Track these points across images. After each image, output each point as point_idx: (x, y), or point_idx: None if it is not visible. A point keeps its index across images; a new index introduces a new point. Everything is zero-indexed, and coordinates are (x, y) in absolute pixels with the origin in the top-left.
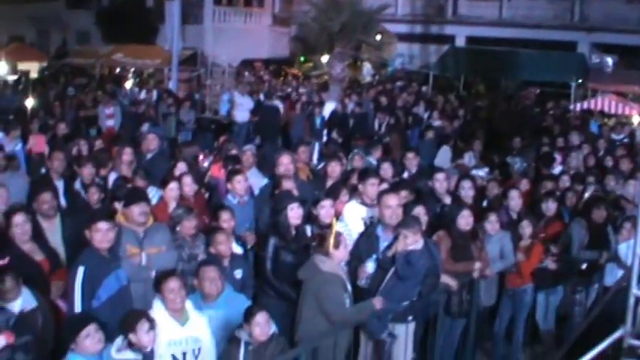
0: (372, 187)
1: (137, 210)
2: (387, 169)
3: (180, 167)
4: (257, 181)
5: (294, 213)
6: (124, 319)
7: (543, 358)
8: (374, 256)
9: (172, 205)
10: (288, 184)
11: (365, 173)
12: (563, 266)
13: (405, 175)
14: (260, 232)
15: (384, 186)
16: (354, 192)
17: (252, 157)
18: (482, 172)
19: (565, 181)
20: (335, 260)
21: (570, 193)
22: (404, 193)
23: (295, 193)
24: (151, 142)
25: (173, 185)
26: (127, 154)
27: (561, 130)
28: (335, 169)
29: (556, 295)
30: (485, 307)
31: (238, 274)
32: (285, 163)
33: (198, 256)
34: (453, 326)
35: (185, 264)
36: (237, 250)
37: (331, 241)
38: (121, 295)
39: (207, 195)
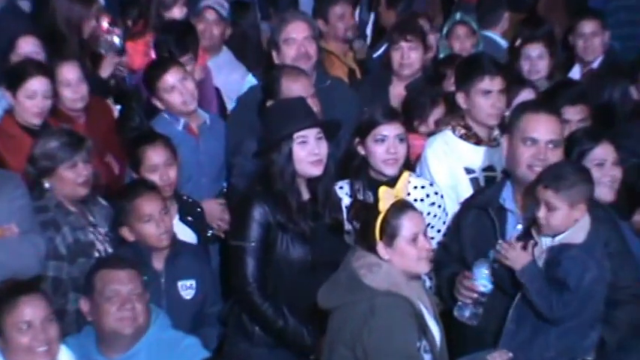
0: (488, 98)
1: None
2: (533, 59)
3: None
4: (232, 79)
5: (308, 150)
6: None
7: None
8: (491, 255)
9: (35, 123)
10: (298, 87)
11: (475, 65)
12: None
13: (576, 71)
14: (235, 194)
15: (527, 94)
16: (450, 110)
17: (218, 25)
18: None
19: None
20: (398, 265)
21: None
22: (572, 112)
23: (315, 107)
24: None
25: (37, 83)
26: None
27: None
28: (410, 55)
29: None
30: None
31: (186, 290)
32: (297, 39)
33: (93, 247)
34: None
35: (63, 264)
36: (186, 235)
37: (377, 223)
38: None
39: (116, 109)
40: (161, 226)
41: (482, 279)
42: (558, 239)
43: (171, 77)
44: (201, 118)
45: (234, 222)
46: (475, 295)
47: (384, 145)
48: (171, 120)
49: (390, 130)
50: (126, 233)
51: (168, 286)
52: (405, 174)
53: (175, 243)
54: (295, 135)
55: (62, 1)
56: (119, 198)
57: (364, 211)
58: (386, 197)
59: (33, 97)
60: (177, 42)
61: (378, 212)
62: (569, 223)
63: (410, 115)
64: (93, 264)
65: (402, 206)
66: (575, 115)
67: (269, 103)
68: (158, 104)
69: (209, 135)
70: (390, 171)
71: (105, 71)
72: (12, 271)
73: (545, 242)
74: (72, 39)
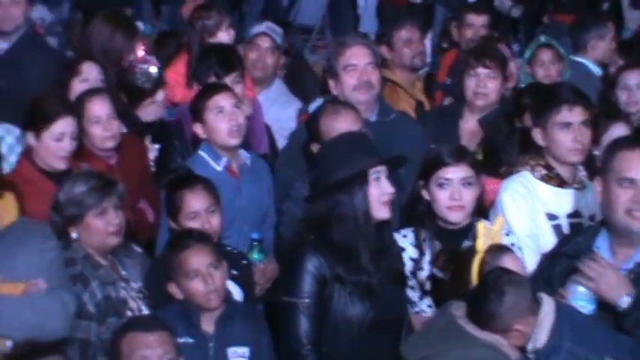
0: (568, 132)
1: None
2: (631, 88)
3: (88, 72)
4: (284, 115)
5: (382, 189)
6: None
7: None
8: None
9: (59, 167)
10: (339, 125)
11: (551, 95)
12: None
13: None
14: (284, 244)
15: (618, 130)
16: (527, 148)
17: (272, 53)
18: None
19: None
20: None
21: None
22: None
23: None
24: (10, 9)
25: (65, 124)
26: None
27: None
28: (487, 84)
29: None
30: None
31: (237, 359)
32: (358, 66)
33: (126, 305)
34: None
35: (91, 324)
36: (233, 290)
37: (474, 267)
38: None
39: (154, 149)
40: (210, 283)
41: (579, 299)
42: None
43: (222, 99)
44: (242, 159)
45: (285, 275)
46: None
47: (448, 189)
48: (210, 159)
49: (454, 173)
50: (173, 290)
51: (217, 352)
52: (500, 219)
53: (229, 303)
54: (370, 171)
55: (102, 28)
56: (167, 250)
57: (456, 259)
58: (485, 235)
59: (60, 140)
60: (220, 61)
61: (474, 253)
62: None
63: (494, 159)
64: (119, 326)
65: (500, 248)
66: None
67: (313, 145)
68: (199, 131)
69: (250, 177)
70: (455, 218)
71: (149, 114)
72: (35, 331)
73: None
74: (109, 71)
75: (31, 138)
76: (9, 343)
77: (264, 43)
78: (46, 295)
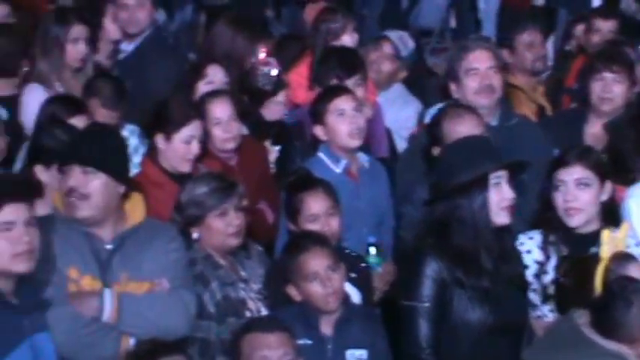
0: None
1: (98, 183)
2: None
3: (213, 75)
4: (403, 115)
5: (502, 195)
6: None
7: None
8: None
9: (184, 170)
10: (462, 128)
11: None
12: None
13: None
14: (405, 247)
15: None
16: None
17: (390, 61)
18: None
19: None
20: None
21: None
22: None
23: None
24: (137, 12)
25: (195, 128)
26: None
27: None
28: (613, 89)
29: None
30: None
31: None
32: (480, 69)
33: (244, 306)
34: None
35: (211, 324)
36: (352, 293)
37: (598, 275)
38: None
39: (275, 151)
40: (328, 285)
41: None
42: None
43: (342, 102)
44: (361, 161)
45: (405, 279)
46: None
47: (563, 192)
48: (330, 161)
49: (568, 174)
50: (292, 292)
51: (335, 354)
52: (625, 225)
53: (347, 306)
54: (491, 175)
55: (225, 31)
56: (286, 252)
57: (579, 265)
58: (609, 242)
59: (189, 142)
60: (342, 64)
61: (597, 261)
62: None
63: (619, 165)
64: (240, 326)
65: (626, 257)
66: None
67: (434, 149)
68: (320, 133)
69: (368, 179)
70: (574, 222)
71: (273, 113)
72: (157, 330)
73: None
74: (230, 73)
75: (160, 140)
76: (132, 341)
77: (387, 48)
78: (168, 295)
